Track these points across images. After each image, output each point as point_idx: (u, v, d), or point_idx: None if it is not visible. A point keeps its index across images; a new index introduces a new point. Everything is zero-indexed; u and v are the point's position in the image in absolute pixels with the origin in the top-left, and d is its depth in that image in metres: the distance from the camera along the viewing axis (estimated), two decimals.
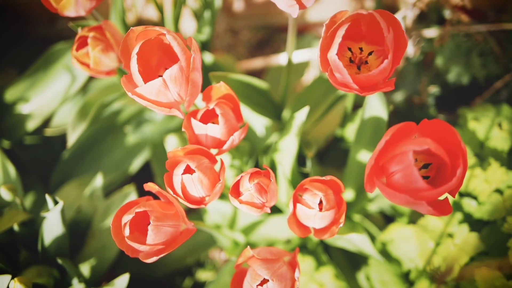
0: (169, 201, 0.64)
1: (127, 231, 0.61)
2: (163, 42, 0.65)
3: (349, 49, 0.66)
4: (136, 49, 0.61)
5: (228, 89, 0.69)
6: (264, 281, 0.63)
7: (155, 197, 0.67)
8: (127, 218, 0.61)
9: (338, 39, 0.60)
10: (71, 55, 0.77)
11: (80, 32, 0.77)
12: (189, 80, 0.62)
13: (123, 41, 0.63)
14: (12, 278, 0.75)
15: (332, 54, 0.60)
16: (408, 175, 0.54)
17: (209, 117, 0.69)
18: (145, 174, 1.08)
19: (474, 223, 0.83)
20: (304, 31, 1.29)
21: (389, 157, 0.57)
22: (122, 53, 0.64)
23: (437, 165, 0.60)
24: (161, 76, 0.61)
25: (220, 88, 0.69)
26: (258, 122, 0.94)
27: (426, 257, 0.84)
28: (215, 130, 0.66)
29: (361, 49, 0.66)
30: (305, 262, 0.90)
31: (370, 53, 0.66)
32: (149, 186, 0.64)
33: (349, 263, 0.95)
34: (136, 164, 1.07)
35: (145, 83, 0.61)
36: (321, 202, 0.63)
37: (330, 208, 0.63)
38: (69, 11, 0.73)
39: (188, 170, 0.64)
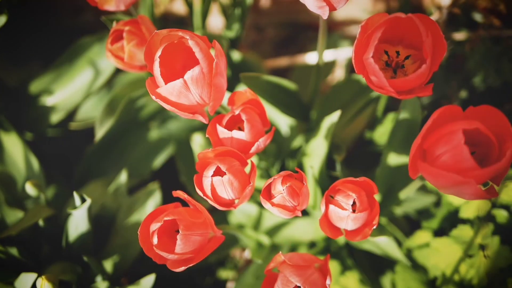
0: (197, 208, 0.64)
1: (155, 240, 0.60)
2: (186, 46, 0.63)
3: (386, 53, 0.65)
4: (158, 53, 0.60)
5: (254, 95, 0.68)
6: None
7: (183, 202, 0.66)
8: (155, 226, 0.60)
9: (374, 42, 0.59)
10: (106, 48, 0.76)
11: (116, 25, 0.75)
12: (212, 85, 0.60)
13: (147, 44, 0.62)
14: (38, 275, 0.74)
15: (368, 57, 0.59)
16: (458, 154, 0.53)
17: (234, 122, 0.68)
18: (169, 170, 1.07)
19: (506, 234, 0.82)
20: (330, 30, 1.28)
21: (434, 139, 0.55)
22: (146, 56, 0.62)
23: (481, 155, 0.59)
24: None
25: (245, 94, 0.68)
26: (284, 123, 0.93)
27: (454, 265, 0.83)
28: (240, 136, 0.66)
29: (398, 52, 0.65)
30: (330, 266, 0.89)
31: (407, 57, 0.65)
32: (178, 194, 0.63)
33: (374, 268, 0.94)
34: (159, 160, 1.06)
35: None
36: (354, 203, 0.62)
37: (363, 209, 0.62)
38: (110, 6, 0.72)
39: (218, 172, 0.63)
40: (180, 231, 0.60)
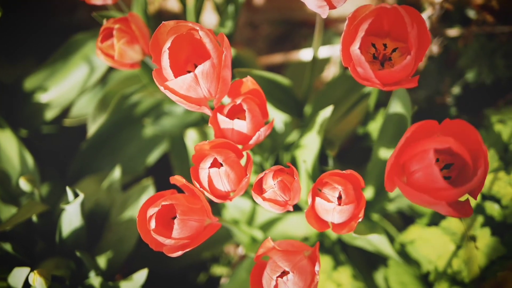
0: (194, 195, 0.64)
1: (153, 224, 0.60)
2: (193, 38, 0.64)
3: (373, 45, 0.65)
4: (168, 44, 0.60)
5: (255, 84, 0.68)
6: (285, 273, 0.62)
7: (179, 190, 0.66)
8: (153, 210, 0.61)
9: (361, 33, 0.59)
10: (96, 46, 0.76)
11: (105, 23, 0.76)
12: (220, 77, 0.61)
13: (154, 35, 0.62)
14: (31, 270, 0.74)
15: (355, 48, 0.59)
16: (429, 174, 0.53)
17: (235, 112, 0.68)
18: (163, 166, 1.07)
19: (496, 226, 0.82)
20: (325, 27, 1.28)
21: (410, 155, 0.56)
22: (152, 48, 0.63)
23: (459, 166, 0.59)
24: (189, 71, 0.60)
25: (246, 83, 0.68)
26: (278, 119, 0.94)
27: (446, 259, 0.83)
28: (241, 126, 0.66)
29: (385, 45, 0.65)
30: (323, 261, 0.89)
31: (394, 50, 0.65)
32: (175, 179, 0.64)
33: (367, 263, 0.94)
34: (153, 156, 1.06)
35: (175, 78, 0.60)
36: (340, 196, 0.62)
37: (349, 202, 0.62)
38: None
39: (214, 164, 0.63)
40: (177, 215, 0.60)
